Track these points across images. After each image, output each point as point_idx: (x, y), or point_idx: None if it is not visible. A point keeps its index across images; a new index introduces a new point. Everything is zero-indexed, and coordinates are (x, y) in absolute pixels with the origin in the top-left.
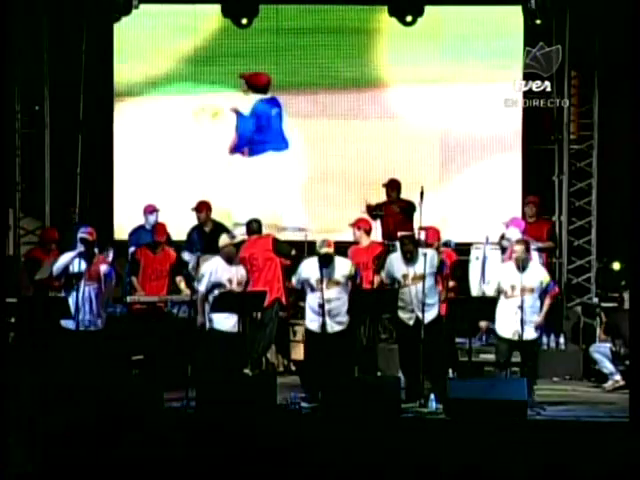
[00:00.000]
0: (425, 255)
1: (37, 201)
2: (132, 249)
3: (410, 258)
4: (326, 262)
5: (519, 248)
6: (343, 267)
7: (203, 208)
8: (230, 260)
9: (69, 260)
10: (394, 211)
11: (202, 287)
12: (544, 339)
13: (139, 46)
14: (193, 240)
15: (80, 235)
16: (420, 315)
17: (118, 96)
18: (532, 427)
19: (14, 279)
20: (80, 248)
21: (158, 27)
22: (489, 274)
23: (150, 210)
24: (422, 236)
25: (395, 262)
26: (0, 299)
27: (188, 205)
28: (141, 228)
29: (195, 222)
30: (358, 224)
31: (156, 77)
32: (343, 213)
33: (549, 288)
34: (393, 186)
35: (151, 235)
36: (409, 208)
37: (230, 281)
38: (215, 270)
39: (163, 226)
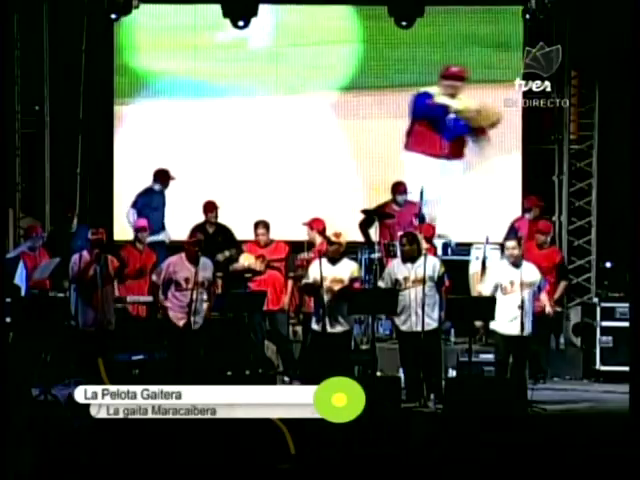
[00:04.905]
0: (428, 260)
1: (37, 201)
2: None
3: (410, 259)
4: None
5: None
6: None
7: (211, 208)
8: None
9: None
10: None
11: None
12: None
13: (139, 46)
14: None
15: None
16: (419, 320)
17: (118, 96)
18: (532, 426)
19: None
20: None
21: (158, 27)
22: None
23: None
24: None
25: (397, 265)
26: (0, 299)
27: (188, 205)
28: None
29: (191, 223)
30: (311, 224)
31: (156, 77)
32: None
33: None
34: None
35: None
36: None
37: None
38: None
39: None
